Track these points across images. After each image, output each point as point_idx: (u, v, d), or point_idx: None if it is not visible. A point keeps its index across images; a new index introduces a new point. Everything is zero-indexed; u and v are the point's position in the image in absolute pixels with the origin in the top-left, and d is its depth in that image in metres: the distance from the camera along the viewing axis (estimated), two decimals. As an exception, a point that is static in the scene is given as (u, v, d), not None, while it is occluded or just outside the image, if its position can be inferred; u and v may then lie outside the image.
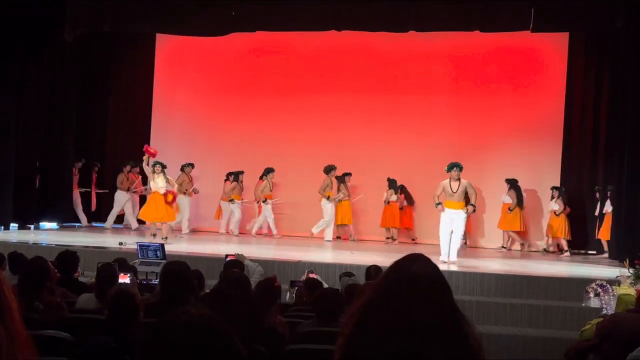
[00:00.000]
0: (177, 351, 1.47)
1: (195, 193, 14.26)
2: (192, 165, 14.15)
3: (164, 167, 11.95)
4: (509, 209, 13.38)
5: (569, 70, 13.69)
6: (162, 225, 11.90)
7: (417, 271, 1.80)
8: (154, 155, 12.07)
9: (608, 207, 12.33)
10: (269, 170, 13.94)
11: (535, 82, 13.90)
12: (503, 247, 13.62)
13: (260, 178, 14.07)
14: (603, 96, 13.26)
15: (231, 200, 14.06)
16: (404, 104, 14.28)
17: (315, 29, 12.85)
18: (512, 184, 13.36)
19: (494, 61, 14.06)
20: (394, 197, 13.80)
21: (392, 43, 13.68)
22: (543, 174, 13.62)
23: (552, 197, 13.18)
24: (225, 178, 14.34)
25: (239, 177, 14.16)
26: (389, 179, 13.82)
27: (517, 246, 13.58)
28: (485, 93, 14.06)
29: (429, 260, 1.86)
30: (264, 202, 13.85)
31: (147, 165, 11.97)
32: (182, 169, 14.00)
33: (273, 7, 12.40)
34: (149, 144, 13.65)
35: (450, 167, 10.32)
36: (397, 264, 1.86)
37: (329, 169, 13.68)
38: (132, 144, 15.21)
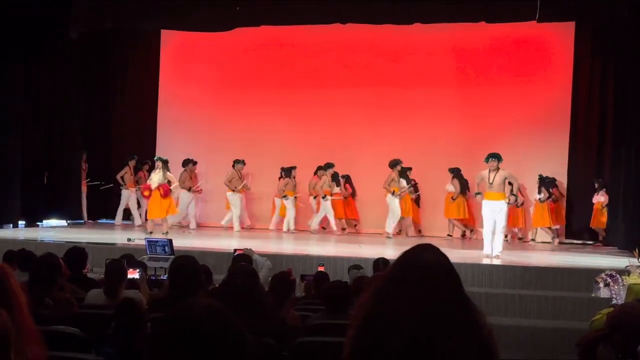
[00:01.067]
0: (186, 342, 1.47)
1: (246, 189, 14.08)
2: (194, 162, 14.10)
3: (165, 162, 11.98)
4: (451, 197, 13.64)
5: (575, 60, 13.64)
6: (162, 221, 11.92)
7: (428, 260, 1.81)
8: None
9: (599, 198, 12.78)
10: (328, 166, 13.79)
11: (541, 73, 13.84)
12: (449, 235, 13.86)
13: (315, 173, 14.00)
14: (609, 87, 13.19)
15: (284, 197, 13.92)
16: (409, 97, 14.25)
17: (319, 23, 12.81)
18: (456, 173, 13.56)
19: (500, 53, 14.01)
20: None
21: (397, 36, 13.65)
22: (550, 165, 13.56)
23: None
24: (279, 175, 14.18)
25: (291, 173, 13.93)
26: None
27: (469, 234, 13.88)
28: (491, 85, 14.02)
29: (438, 249, 1.86)
30: (323, 197, 13.75)
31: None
32: (184, 165, 13.93)
33: (277, 1, 12.35)
34: (155, 141, 13.71)
35: (488, 158, 10.23)
36: (407, 253, 1.86)
37: (394, 163, 13.25)
38: (138, 141, 15.26)
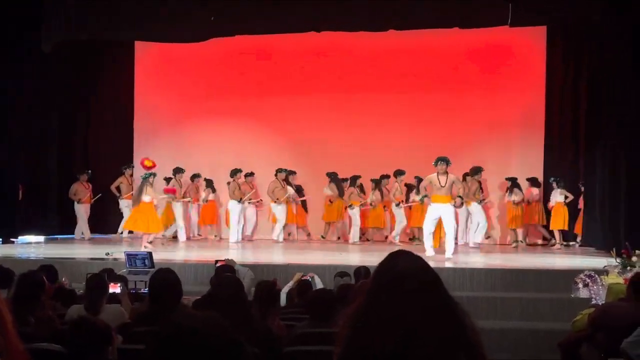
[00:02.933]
0: (186, 355, 1.45)
1: (292, 201, 13.95)
2: (250, 173, 14.16)
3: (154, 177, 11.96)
4: (329, 200, 13.83)
5: (548, 64, 13.82)
6: (144, 234, 11.87)
7: (402, 268, 1.82)
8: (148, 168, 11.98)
9: (557, 198, 12.86)
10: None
11: (515, 77, 14.02)
12: (322, 236, 14.19)
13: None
14: (582, 89, 13.37)
15: (350, 206, 13.79)
16: (384, 103, 14.33)
17: (294, 31, 12.83)
18: (333, 177, 13.70)
19: (474, 57, 14.15)
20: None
21: (372, 41, 13.69)
22: (527, 167, 13.69)
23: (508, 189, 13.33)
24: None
25: (356, 182, 13.81)
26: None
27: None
28: (466, 89, 14.14)
29: (412, 254, 1.89)
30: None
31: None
32: (232, 176, 13.84)
33: (251, 10, 12.33)
34: (132, 153, 13.61)
35: (437, 162, 10.39)
36: (382, 265, 1.88)
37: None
38: (115, 153, 15.14)
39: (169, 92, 15.17)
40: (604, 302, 6.37)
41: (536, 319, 7.93)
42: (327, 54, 14.45)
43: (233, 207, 13.73)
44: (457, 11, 11.55)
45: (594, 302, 7.26)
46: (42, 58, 12.95)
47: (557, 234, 13.16)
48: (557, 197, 13.01)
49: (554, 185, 13.12)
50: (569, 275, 8.41)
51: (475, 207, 13.05)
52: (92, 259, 10.24)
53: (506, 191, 13.35)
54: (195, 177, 14.32)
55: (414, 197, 13.24)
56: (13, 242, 12.90)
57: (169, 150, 14.83)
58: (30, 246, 12.61)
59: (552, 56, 13.83)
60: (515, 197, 13.17)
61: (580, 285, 8.00)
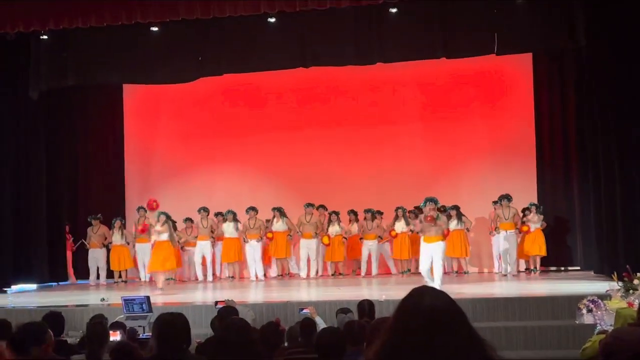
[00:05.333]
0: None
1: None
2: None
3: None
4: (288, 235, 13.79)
5: (535, 89, 13.88)
6: (158, 275, 11.74)
7: (429, 305, 1.78)
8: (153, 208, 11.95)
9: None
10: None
11: (503, 103, 14.08)
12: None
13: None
14: (570, 113, 13.41)
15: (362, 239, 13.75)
16: (373, 134, 14.33)
17: (282, 68, 12.86)
18: (279, 210, 13.63)
19: (462, 86, 14.21)
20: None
21: (359, 74, 13.70)
22: (519, 194, 13.62)
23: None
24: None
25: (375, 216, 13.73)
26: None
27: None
28: (455, 118, 14.17)
29: (437, 290, 1.85)
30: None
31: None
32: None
33: (238, 49, 12.41)
34: (124, 196, 13.54)
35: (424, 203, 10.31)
36: (406, 301, 1.84)
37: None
38: (106, 196, 15.02)
39: (159, 133, 15.09)
40: (610, 327, 6.28)
41: (541, 348, 7.83)
42: (317, 89, 14.48)
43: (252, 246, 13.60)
44: (443, 42, 11.65)
45: (599, 327, 7.16)
46: (27, 102, 12.90)
47: (537, 260, 13.02)
48: (536, 222, 12.89)
49: (533, 210, 12.99)
50: (572, 301, 8.34)
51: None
52: (80, 305, 10.06)
53: (523, 216, 13.11)
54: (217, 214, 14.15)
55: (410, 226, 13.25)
56: (5, 291, 12.67)
57: (162, 190, 14.72)
58: (23, 295, 12.40)
59: (539, 80, 13.85)
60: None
61: (584, 311, 7.91)
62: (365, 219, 13.70)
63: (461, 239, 13.10)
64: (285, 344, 6.56)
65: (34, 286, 13.31)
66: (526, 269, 13.20)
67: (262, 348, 3.93)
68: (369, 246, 13.62)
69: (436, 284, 10.14)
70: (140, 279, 14.01)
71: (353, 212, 13.86)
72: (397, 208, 13.56)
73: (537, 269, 12.87)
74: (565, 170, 13.63)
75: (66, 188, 14.89)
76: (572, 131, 13.40)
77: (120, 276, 14.18)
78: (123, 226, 14.10)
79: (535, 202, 13.30)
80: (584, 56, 11.88)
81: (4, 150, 12.98)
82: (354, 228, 13.84)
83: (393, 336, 1.78)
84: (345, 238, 13.75)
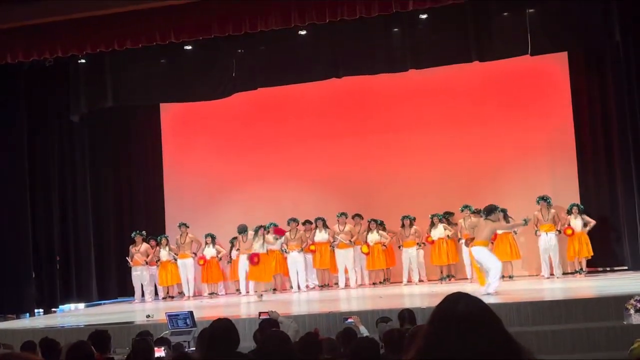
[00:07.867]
0: None
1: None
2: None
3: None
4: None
5: (573, 86, 13.61)
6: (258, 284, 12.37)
7: (463, 310, 1.79)
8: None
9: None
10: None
11: (540, 103, 13.81)
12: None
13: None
14: (611, 110, 13.07)
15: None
16: (408, 141, 14.25)
17: (316, 79, 12.91)
18: (322, 220, 13.63)
19: (497, 88, 14.01)
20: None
21: (392, 82, 13.66)
22: (562, 193, 13.39)
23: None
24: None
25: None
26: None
27: None
28: (491, 121, 13.99)
29: (471, 296, 1.84)
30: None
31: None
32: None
33: (271, 63, 12.54)
34: (164, 213, 13.78)
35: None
36: (440, 307, 1.85)
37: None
38: (147, 214, 15.25)
39: (196, 149, 15.25)
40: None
41: (590, 350, 7.67)
42: (351, 98, 14.45)
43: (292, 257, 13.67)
44: (475, 45, 11.58)
45: (649, 327, 7.01)
46: (68, 124, 13.24)
47: (583, 262, 12.71)
48: (579, 223, 12.63)
49: (575, 211, 12.72)
50: (618, 301, 8.16)
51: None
52: (125, 323, 10.23)
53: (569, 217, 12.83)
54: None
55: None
56: (54, 312, 12.97)
57: (199, 206, 14.89)
58: (70, 314, 12.67)
59: (576, 77, 13.55)
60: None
61: (632, 311, 7.73)
62: (402, 225, 13.61)
63: (509, 242, 12.88)
64: (326, 356, 6.59)
65: (82, 305, 13.58)
66: (573, 272, 12.91)
67: (301, 359, 3.95)
68: (409, 253, 13.53)
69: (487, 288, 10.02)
70: (184, 294, 14.15)
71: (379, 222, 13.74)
72: (433, 215, 13.46)
73: (584, 270, 12.60)
74: (607, 168, 13.30)
75: (109, 206, 15.19)
76: (613, 129, 13.06)
77: (167, 292, 14.34)
78: (167, 242, 14.25)
79: (578, 202, 13.05)
80: (621, 50, 11.63)
81: (51, 174, 13.30)
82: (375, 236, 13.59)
83: (428, 342, 1.79)
84: (384, 246, 13.66)
